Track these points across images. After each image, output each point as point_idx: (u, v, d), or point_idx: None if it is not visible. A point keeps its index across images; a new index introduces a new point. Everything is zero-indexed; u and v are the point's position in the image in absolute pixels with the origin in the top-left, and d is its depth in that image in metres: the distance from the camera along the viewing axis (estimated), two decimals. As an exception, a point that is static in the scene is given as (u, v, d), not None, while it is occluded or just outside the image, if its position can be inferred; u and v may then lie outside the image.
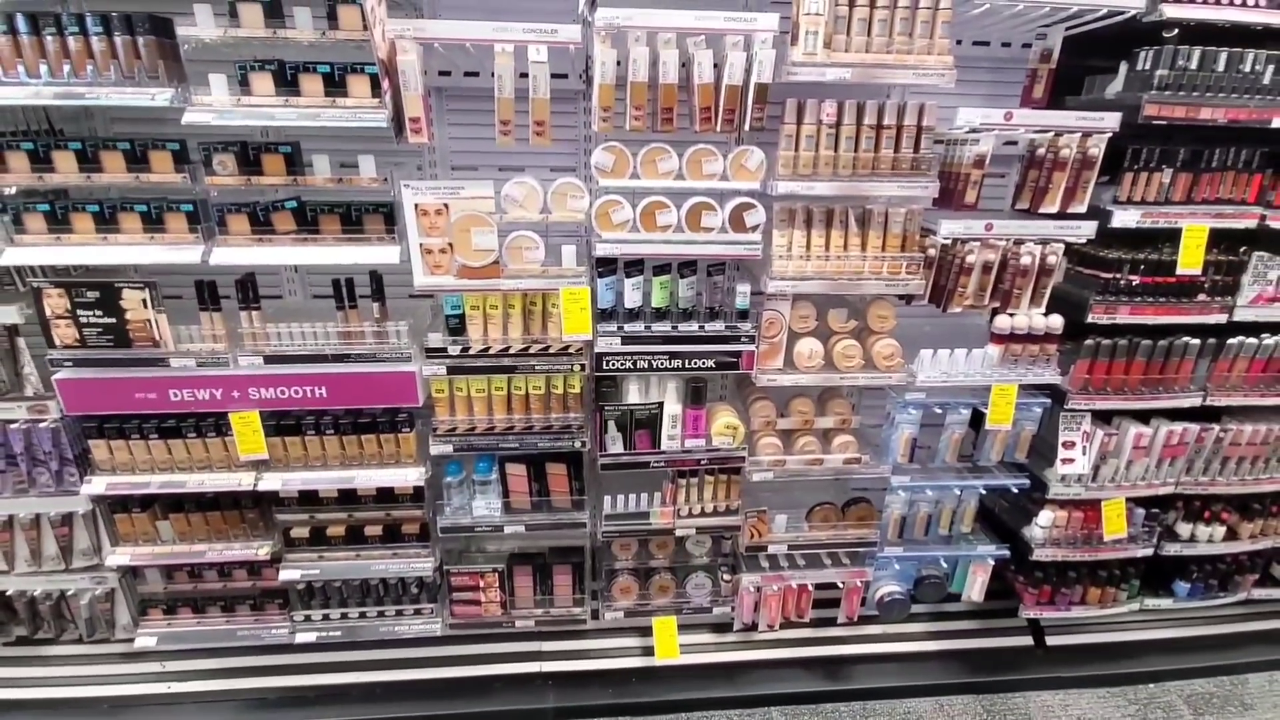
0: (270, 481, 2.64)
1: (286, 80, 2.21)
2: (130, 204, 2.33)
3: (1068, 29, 2.62)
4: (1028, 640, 3.33)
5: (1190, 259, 2.67)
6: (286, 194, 2.40)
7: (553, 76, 2.28)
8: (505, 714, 2.93)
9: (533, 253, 2.44)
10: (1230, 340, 2.84)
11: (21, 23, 2.13)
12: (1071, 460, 2.89)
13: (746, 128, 2.37)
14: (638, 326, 2.58)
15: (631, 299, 2.55)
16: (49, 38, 2.15)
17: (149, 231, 2.35)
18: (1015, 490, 2.99)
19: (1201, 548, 3.20)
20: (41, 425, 2.60)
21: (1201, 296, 2.78)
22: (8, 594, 2.91)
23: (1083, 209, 2.61)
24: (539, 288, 2.49)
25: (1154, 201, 2.65)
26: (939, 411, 2.86)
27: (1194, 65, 2.47)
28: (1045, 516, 3.05)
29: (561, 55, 2.43)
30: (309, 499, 2.76)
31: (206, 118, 2.18)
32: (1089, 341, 2.76)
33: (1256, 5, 2.45)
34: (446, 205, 2.34)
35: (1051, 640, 3.33)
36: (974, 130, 2.48)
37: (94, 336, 2.43)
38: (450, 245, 2.39)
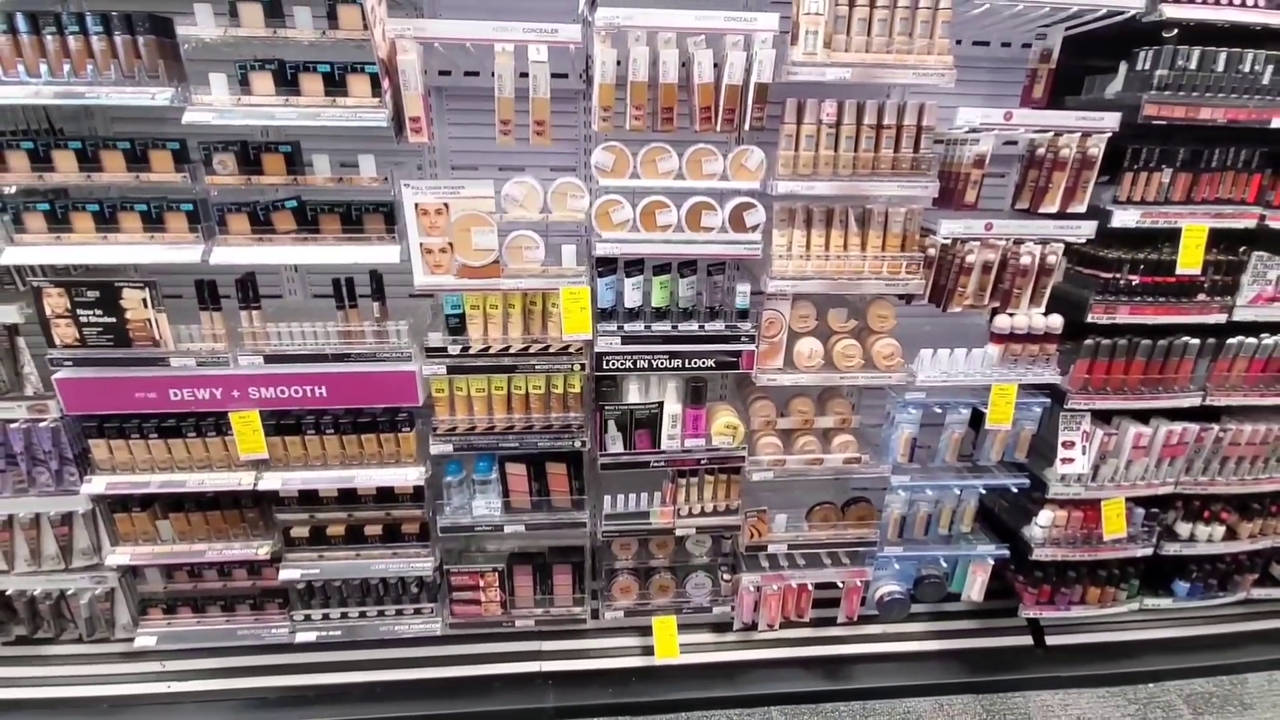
0: (270, 481, 2.64)
1: (287, 80, 2.21)
2: (130, 203, 2.33)
3: (1067, 29, 2.62)
4: (1027, 640, 3.33)
5: (1190, 259, 2.68)
6: (287, 193, 2.40)
7: (553, 76, 2.29)
8: (505, 714, 2.93)
9: (533, 252, 2.44)
10: (1230, 340, 2.84)
11: (21, 22, 2.13)
12: (1071, 460, 2.89)
13: (746, 127, 2.37)
14: (638, 326, 2.59)
15: (631, 299, 2.55)
16: (49, 37, 2.15)
17: (149, 231, 2.35)
18: (1015, 490, 3.00)
19: (1201, 547, 3.20)
20: (41, 425, 2.60)
21: (1201, 296, 2.78)
22: (7, 594, 2.90)
23: (1082, 209, 2.61)
24: (539, 287, 2.49)
25: (1154, 201, 2.66)
26: (939, 411, 2.86)
27: (1193, 65, 2.47)
28: (1045, 516, 3.05)
29: (562, 55, 2.43)
30: (309, 498, 2.76)
31: (206, 117, 2.18)
32: (1089, 341, 2.77)
33: (1256, 5, 2.46)
34: (447, 205, 2.34)
35: (1051, 640, 3.33)
36: (974, 130, 2.48)
37: (94, 336, 2.43)
38: (450, 245, 2.39)
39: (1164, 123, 2.49)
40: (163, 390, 2.51)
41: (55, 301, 2.37)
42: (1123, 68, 2.63)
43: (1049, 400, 2.86)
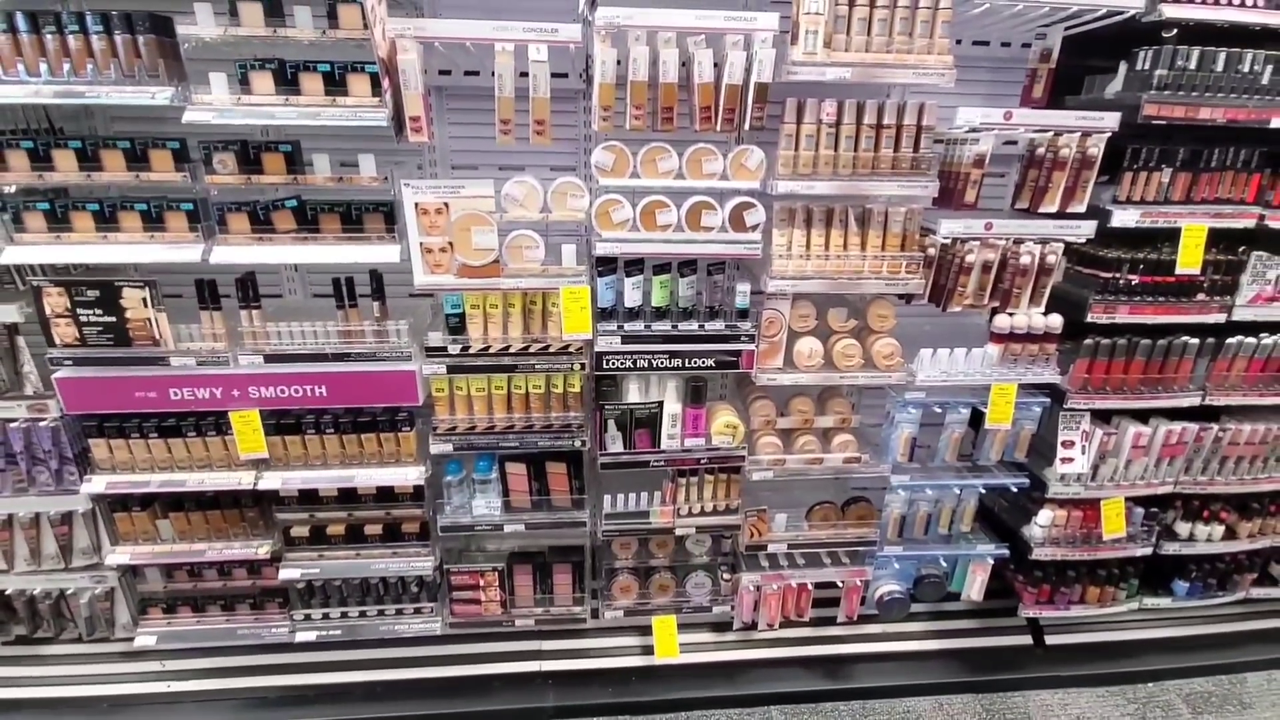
0: (270, 480, 2.64)
1: (287, 79, 2.21)
2: (130, 203, 2.33)
3: (1067, 29, 2.62)
4: (1027, 639, 3.33)
5: (1189, 258, 2.68)
6: (287, 193, 2.40)
7: (553, 76, 2.28)
8: (505, 713, 2.93)
9: (533, 252, 2.44)
10: (1229, 340, 2.84)
11: (21, 21, 2.13)
12: (1071, 459, 2.89)
13: (746, 127, 2.37)
14: (638, 326, 2.59)
15: (631, 298, 2.55)
16: (49, 36, 2.15)
17: (149, 230, 2.35)
18: (1014, 489, 3.00)
19: (1200, 547, 3.21)
20: (41, 424, 2.60)
21: (1200, 296, 2.79)
22: (7, 593, 2.90)
23: (1082, 208, 2.61)
24: (539, 287, 2.49)
25: (1153, 201, 2.66)
26: (939, 411, 2.86)
27: (1193, 65, 2.47)
28: (1044, 516, 3.05)
29: (562, 54, 2.43)
30: (309, 498, 2.76)
31: (206, 116, 2.18)
32: (1088, 341, 2.77)
33: (1255, 5, 2.46)
34: (447, 204, 2.34)
35: (1051, 639, 3.33)
36: (974, 130, 2.48)
37: (94, 335, 2.43)
38: (450, 244, 2.39)
39: (1163, 122, 2.50)
40: (163, 390, 2.51)
41: (55, 301, 2.37)
42: (1122, 68, 2.64)
43: (1049, 400, 2.86)
